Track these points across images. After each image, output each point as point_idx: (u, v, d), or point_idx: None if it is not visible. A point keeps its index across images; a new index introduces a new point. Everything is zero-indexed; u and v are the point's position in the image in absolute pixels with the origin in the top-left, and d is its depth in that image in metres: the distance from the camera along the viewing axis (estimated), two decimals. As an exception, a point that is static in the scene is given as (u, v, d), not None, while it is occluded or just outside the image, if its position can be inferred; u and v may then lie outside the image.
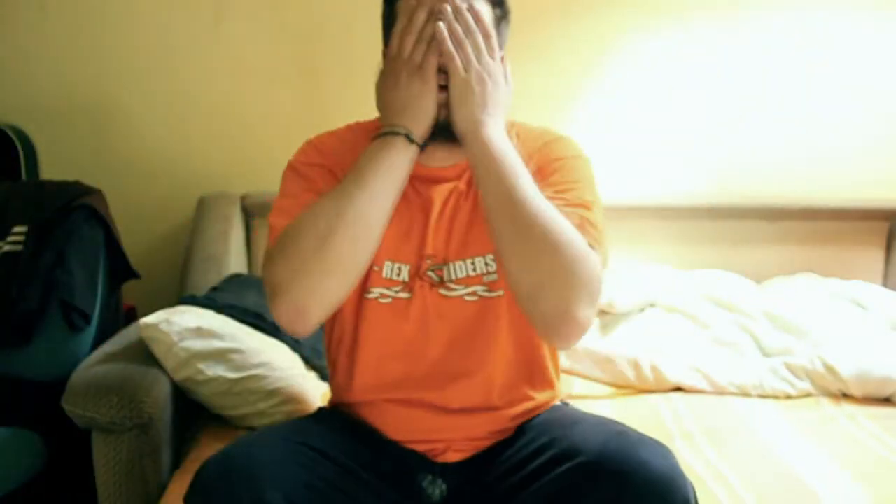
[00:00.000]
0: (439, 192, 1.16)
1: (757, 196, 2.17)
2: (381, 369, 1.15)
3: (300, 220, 1.06)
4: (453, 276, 1.14)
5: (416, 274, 1.14)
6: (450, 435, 1.13)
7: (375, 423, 1.15)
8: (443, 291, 1.13)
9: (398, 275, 1.14)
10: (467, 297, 1.14)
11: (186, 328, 1.47)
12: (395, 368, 1.15)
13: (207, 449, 1.40)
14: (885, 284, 2.14)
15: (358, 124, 1.29)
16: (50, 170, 2.11)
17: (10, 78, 2.15)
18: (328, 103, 2.15)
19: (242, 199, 2.09)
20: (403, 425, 1.13)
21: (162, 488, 1.36)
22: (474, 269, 1.14)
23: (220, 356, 1.47)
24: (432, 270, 1.14)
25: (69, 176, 1.85)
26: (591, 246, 1.04)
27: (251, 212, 2.08)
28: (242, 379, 1.47)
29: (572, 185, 1.15)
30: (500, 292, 1.13)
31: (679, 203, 2.14)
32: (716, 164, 2.21)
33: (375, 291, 1.14)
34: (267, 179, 2.17)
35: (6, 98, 2.14)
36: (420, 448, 1.13)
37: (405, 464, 1.12)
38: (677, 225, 2.14)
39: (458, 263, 1.14)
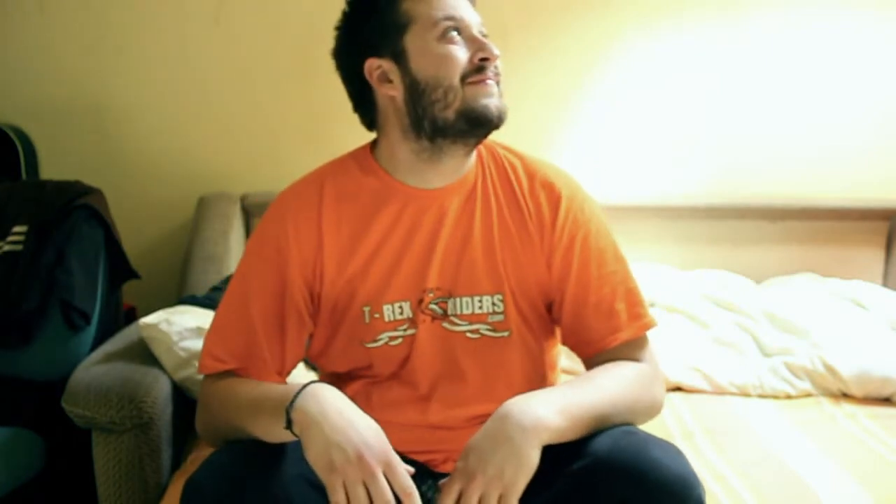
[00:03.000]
0: (447, 219, 1.11)
1: (757, 196, 2.16)
2: (388, 397, 1.13)
3: (221, 404, 1.06)
4: (458, 311, 1.11)
5: (419, 308, 1.11)
6: (450, 446, 1.10)
7: None
8: (445, 325, 1.11)
9: (401, 313, 1.11)
10: (469, 334, 1.11)
11: (186, 328, 1.47)
12: (400, 393, 1.12)
13: (207, 449, 1.40)
14: (885, 284, 2.14)
15: (332, 167, 1.22)
16: (50, 170, 2.11)
17: (10, 78, 2.15)
18: (328, 103, 2.14)
19: (242, 199, 2.09)
20: (403, 440, 1.03)
21: (162, 488, 1.37)
22: (480, 307, 1.11)
23: None
24: (435, 303, 1.11)
25: (69, 176, 1.85)
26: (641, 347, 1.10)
27: (251, 212, 2.08)
28: None
29: (603, 257, 1.14)
30: (506, 333, 1.11)
31: (679, 203, 2.14)
32: (716, 164, 2.21)
33: (383, 337, 1.11)
34: (267, 179, 2.17)
35: (6, 98, 2.14)
36: (420, 458, 1.10)
37: None
38: (677, 225, 2.14)
39: (465, 299, 1.11)
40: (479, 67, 1.08)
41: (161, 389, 1.42)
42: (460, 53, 1.08)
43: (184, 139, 2.18)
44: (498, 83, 1.11)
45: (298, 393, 0.94)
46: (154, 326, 1.46)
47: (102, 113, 2.17)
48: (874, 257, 2.18)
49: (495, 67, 1.11)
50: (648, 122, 2.19)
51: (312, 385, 0.95)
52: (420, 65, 1.08)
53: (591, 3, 2.13)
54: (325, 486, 0.89)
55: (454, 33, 1.08)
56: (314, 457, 0.89)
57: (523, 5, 2.13)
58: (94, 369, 1.43)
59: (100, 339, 1.65)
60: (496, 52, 1.10)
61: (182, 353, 1.44)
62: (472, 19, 1.12)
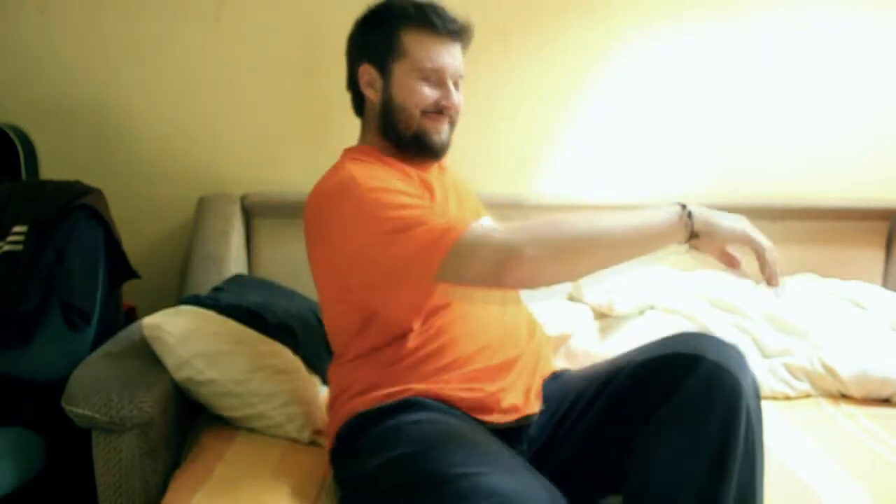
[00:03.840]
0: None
1: (757, 196, 2.17)
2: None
3: (574, 220, 1.15)
4: None
5: None
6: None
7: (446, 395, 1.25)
8: None
9: None
10: None
11: (188, 328, 1.47)
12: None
13: (207, 449, 1.41)
14: (884, 284, 2.14)
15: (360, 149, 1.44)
16: (50, 170, 2.11)
17: (10, 78, 2.15)
18: (329, 103, 2.15)
19: (242, 199, 2.09)
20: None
21: (162, 488, 1.36)
22: None
23: (222, 357, 1.47)
24: None
25: (69, 176, 1.85)
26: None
27: (251, 212, 2.08)
28: (243, 380, 1.47)
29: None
30: None
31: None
32: (716, 164, 2.21)
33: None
34: (267, 179, 2.18)
35: (6, 98, 2.14)
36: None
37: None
38: (677, 225, 2.14)
39: None
40: (439, 109, 1.35)
41: (161, 389, 1.42)
42: (429, 93, 1.34)
43: (184, 139, 2.18)
44: (452, 124, 1.39)
45: (682, 207, 1.18)
46: (156, 326, 1.46)
47: (102, 113, 2.17)
48: (874, 257, 2.18)
49: (453, 114, 1.37)
50: (648, 122, 2.19)
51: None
52: (397, 89, 1.35)
53: (591, 4, 2.13)
54: (750, 237, 1.21)
55: (432, 78, 1.34)
56: (733, 224, 1.20)
57: (523, 5, 2.13)
58: (95, 369, 1.43)
59: (100, 339, 1.65)
60: (457, 101, 1.36)
61: (183, 353, 1.45)
62: (452, 68, 1.35)
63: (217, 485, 1.29)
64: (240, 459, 1.38)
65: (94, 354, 1.51)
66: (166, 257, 2.13)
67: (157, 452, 1.40)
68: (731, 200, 2.14)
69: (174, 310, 1.55)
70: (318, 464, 1.38)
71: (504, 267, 1.10)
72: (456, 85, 1.36)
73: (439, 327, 1.29)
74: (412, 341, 1.27)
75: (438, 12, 1.32)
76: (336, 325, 1.38)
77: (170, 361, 1.46)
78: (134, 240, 1.90)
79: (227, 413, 1.49)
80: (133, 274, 1.82)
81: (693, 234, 1.17)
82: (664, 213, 1.17)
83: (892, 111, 2.20)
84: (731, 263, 1.23)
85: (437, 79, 1.34)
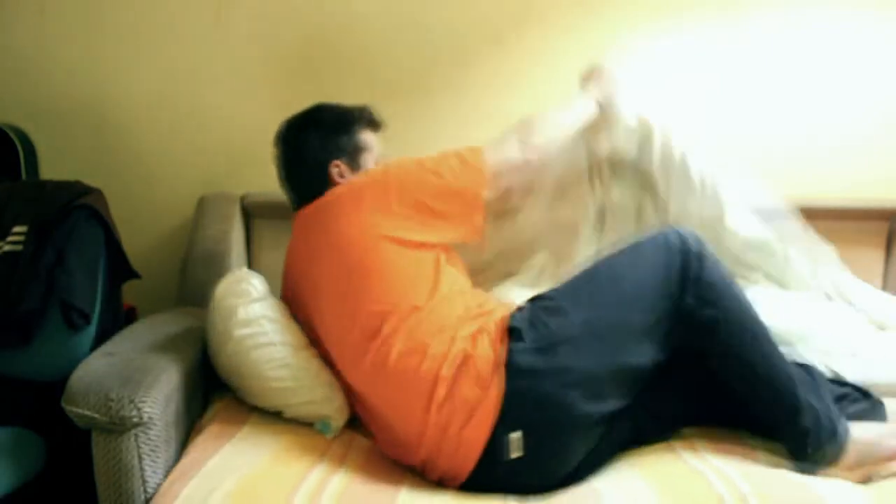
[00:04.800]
0: None
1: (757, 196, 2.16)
2: None
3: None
4: None
5: None
6: None
7: None
8: None
9: None
10: None
11: (267, 291, 1.58)
12: None
13: (207, 449, 1.41)
14: (884, 284, 2.14)
15: None
16: (50, 170, 2.12)
17: (10, 78, 2.15)
18: (329, 102, 2.15)
19: (242, 199, 2.09)
20: None
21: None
22: None
23: (285, 325, 1.54)
24: None
25: (69, 176, 1.85)
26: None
27: (251, 212, 2.08)
28: (298, 352, 1.52)
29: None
30: None
31: (679, 203, 2.14)
32: (715, 163, 2.20)
33: None
34: (267, 179, 2.16)
35: (6, 98, 2.14)
36: None
37: None
38: (677, 225, 2.13)
39: None
40: None
41: (161, 389, 1.42)
42: None
43: (184, 139, 2.18)
44: None
45: None
46: (245, 278, 1.58)
47: (102, 113, 2.17)
48: (874, 257, 2.18)
49: None
50: (648, 122, 2.19)
51: None
52: None
53: (591, 4, 2.13)
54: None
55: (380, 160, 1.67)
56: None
57: (523, 5, 2.13)
58: (94, 369, 1.43)
59: (100, 339, 1.65)
60: None
61: (258, 311, 1.53)
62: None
63: (208, 474, 1.30)
64: (235, 452, 1.39)
65: (94, 354, 1.51)
66: (166, 257, 2.13)
67: (157, 452, 1.39)
68: (731, 200, 2.15)
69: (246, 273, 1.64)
70: (314, 451, 1.40)
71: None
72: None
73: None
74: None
75: (375, 113, 1.70)
76: (398, 289, 1.45)
77: (240, 314, 1.51)
78: (134, 240, 1.90)
79: (270, 383, 1.51)
80: (133, 274, 1.82)
81: None
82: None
83: (892, 111, 2.20)
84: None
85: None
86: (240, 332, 1.51)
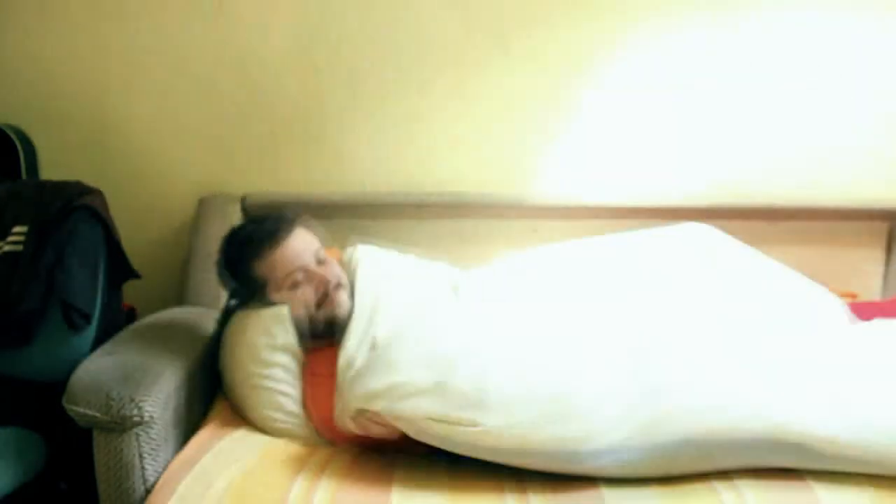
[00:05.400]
0: None
1: (757, 196, 2.16)
2: None
3: None
4: None
5: None
6: None
7: None
8: None
9: None
10: None
11: (294, 340, 1.53)
12: None
13: (203, 446, 1.40)
14: (884, 285, 2.14)
15: None
16: (50, 170, 2.12)
17: (10, 78, 2.15)
18: (329, 103, 2.15)
19: (242, 199, 2.09)
20: None
21: (162, 488, 1.36)
22: None
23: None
24: None
25: (69, 176, 1.85)
26: None
27: (251, 212, 2.08)
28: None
29: None
30: None
31: (679, 203, 2.14)
32: (715, 164, 2.21)
33: None
34: (267, 179, 2.18)
35: (6, 98, 2.14)
36: None
37: None
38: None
39: None
40: (324, 294, 1.53)
41: (161, 389, 1.42)
42: (307, 294, 1.53)
43: (184, 139, 2.18)
44: (340, 286, 1.56)
45: None
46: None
47: (102, 113, 2.17)
48: (874, 258, 2.18)
49: (334, 285, 1.54)
50: (648, 123, 2.19)
51: None
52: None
53: (592, 3, 2.13)
54: None
55: (299, 277, 1.53)
56: None
57: (523, 4, 2.13)
58: (95, 369, 1.43)
59: (100, 339, 1.65)
60: (330, 277, 1.54)
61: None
62: (306, 256, 1.54)
63: (205, 471, 1.30)
64: (228, 450, 1.39)
65: (95, 354, 1.51)
66: (166, 257, 2.13)
67: (157, 451, 1.39)
68: (731, 200, 2.15)
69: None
70: (310, 448, 1.42)
71: None
72: (319, 262, 1.57)
73: None
74: None
75: (266, 233, 1.57)
76: None
77: (263, 355, 1.50)
78: (134, 240, 1.90)
79: (268, 423, 1.49)
80: (133, 274, 1.82)
81: None
82: None
83: (892, 111, 2.20)
84: None
85: (305, 273, 1.55)
86: (254, 369, 1.50)
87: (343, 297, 1.55)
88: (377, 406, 1.29)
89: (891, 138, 2.21)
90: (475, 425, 1.24)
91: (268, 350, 1.50)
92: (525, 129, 2.18)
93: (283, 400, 1.49)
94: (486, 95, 2.14)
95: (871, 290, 2.15)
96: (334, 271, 1.57)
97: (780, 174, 2.21)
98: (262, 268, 1.54)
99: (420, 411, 1.26)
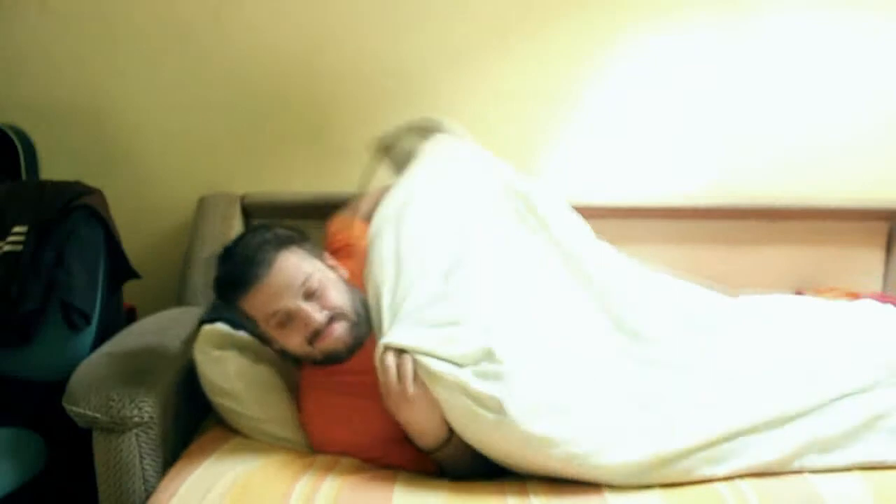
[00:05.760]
0: None
1: (757, 196, 2.17)
2: None
3: None
4: None
5: None
6: None
7: None
8: None
9: None
10: None
11: (246, 364, 1.47)
12: None
13: (205, 448, 1.41)
14: (885, 285, 2.14)
15: None
16: (50, 170, 2.11)
17: (10, 78, 2.15)
18: (329, 103, 2.15)
19: (242, 199, 2.09)
20: None
21: (162, 488, 1.36)
22: None
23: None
24: None
25: (69, 176, 1.85)
26: None
27: (251, 212, 2.08)
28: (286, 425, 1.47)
29: None
30: None
31: (678, 203, 2.14)
32: (716, 164, 2.21)
33: None
34: (267, 179, 2.18)
35: (6, 98, 2.14)
36: None
37: None
38: (677, 225, 2.14)
39: None
40: (314, 333, 1.37)
41: (161, 389, 1.42)
42: (295, 337, 1.38)
43: (184, 139, 2.18)
44: (334, 318, 1.38)
45: None
46: (213, 358, 1.46)
47: (102, 113, 2.17)
48: (874, 258, 2.18)
49: (324, 319, 1.37)
50: (648, 122, 2.19)
51: None
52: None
53: (592, 3, 2.13)
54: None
55: (282, 318, 1.37)
56: None
57: (523, 4, 2.13)
58: (95, 369, 1.43)
59: (100, 339, 1.65)
60: (315, 317, 1.36)
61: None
62: (288, 295, 1.36)
63: (205, 473, 1.30)
64: (230, 453, 1.38)
65: (95, 354, 1.51)
66: (166, 257, 2.13)
67: (157, 452, 1.40)
68: (731, 201, 2.15)
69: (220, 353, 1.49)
70: (306, 453, 1.41)
71: None
72: (317, 291, 1.38)
73: None
74: None
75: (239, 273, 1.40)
76: None
77: (217, 384, 1.45)
78: (134, 240, 1.90)
79: (257, 435, 1.46)
80: (133, 274, 1.82)
81: None
82: None
83: (892, 111, 2.20)
84: None
85: (290, 315, 1.38)
86: (219, 400, 1.46)
87: (339, 330, 1.38)
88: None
89: (891, 138, 2.21)
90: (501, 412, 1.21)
91: (220, 379, 1.45)
92: (525, 129, 2.18)
93: (263, 427, 1.45)
94: (486, 95, 2.14)
95: (871, 290, 2.15)
96: (329, 301, 1.38)
97: (780, 174, 2.21)
98: (245, 308, 1.39)
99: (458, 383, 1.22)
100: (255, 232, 1.44)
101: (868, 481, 1.27)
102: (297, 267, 1.38)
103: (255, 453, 1.38)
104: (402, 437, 1.33)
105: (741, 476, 1.27)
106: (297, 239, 1.44)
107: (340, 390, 1.42)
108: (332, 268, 1.46)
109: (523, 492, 1.26)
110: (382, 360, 1.24)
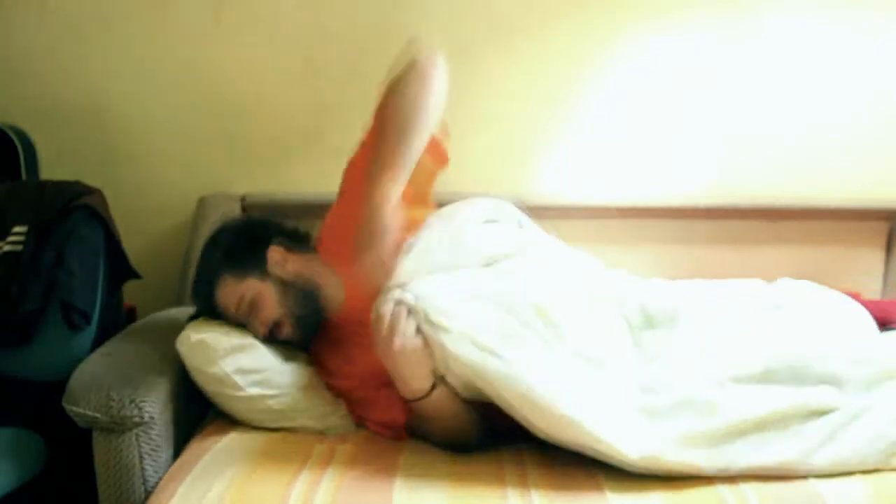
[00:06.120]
0: None
1: (757, 196, 2.16)
2: None
3: None
4: None
5: None
6: None
7: None
8: None
9: None
10: None
11: (231, 344, 1.47)
12: None
13: (204, 447, 1.41)
14: (884, 285, 2.14)
15: None
16: (50, 170, 2.11)
17: (10, 78, 2.15)
18: (330, 103, 2.15)
19: (242, 199, 2.09)
20: None
21: (162, 488, 1.36)
22: None
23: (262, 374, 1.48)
24: None
25: (69, 176, 1.85)
26: None
27: (251, 212, 2.08)
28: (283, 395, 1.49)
29: None
30: None
31: (679, 203, 2.14)
32: (716, 164, 2.21)
33: None
34: (267, 179, 2.18)
35: (6, 98, 2.14)
36: None
37: None
38: (677, 225, 2.14)
39: None
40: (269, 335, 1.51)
41: (161, 389, 1.42)
42: (258, 330, 1.50)
43: (184, 139, 2.18)
44: (275, 326, 1.51)
45: None
46: (201, 341, 1.46)
47: (102, 113, 2.17)
48: (874, 258, 2.18)
49: (266, 330, 1.51)
50: (648, 122, 2.19)
51: None
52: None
53: (592, 3, 2.13)
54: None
55: (243, 322, 1.51)
56: None
57: (523, 4, 2.13)
58: (95, 369, 1.43)
59: (100, 339, 1.65)
60: (260, 330, 1.50)
61: (227, 368, 1.45)
62: (236, 316, 1.50)
63: (205, 472, 1.30)
64: (228, 451, 1.39)
65: (95, 354, 1.51)
66: (166, 257, 2.13)
67: (157, 452, 1.40)
68: (732, 200, 2.15)
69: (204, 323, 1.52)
70: (309, 446, 1.41)
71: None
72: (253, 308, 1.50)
73: None
74: None
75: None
76: None
77: (211, 371, 1.45)
78: (134, 240, 1.90)
79: (258, 423, 1.49)
80: (133, 274, 1.82)
81: None
82: None
83: (892, 111, 2.20)
84: None
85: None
86: (213, 388, 1.47)
87: (285, 332, 1.52)
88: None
89: (891, 138, 2.21)
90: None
91: (212, 367, 1.45)
92: (525, 129, 2.18)
93: (257, 403, 1.46)
94: (486, 95, 2.14)
95: (871, 290, 2.15)
96: (263, 316, 1.49)
97: (780, 174, 2.21)
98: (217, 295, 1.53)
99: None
100: (205, 250, 1.59)
101: (868, 482, 1.27)
102: (231, 293, 1.50)
103: (252, 449, 1.39)
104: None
105: (743, 477, 1.27)
106: (238, 251, 1.54)
107: (346, 339, 1.54)
108: (277, 263, 1.54)
109: (524, 485, 1.27)
110: (377, 308, 1.33)
